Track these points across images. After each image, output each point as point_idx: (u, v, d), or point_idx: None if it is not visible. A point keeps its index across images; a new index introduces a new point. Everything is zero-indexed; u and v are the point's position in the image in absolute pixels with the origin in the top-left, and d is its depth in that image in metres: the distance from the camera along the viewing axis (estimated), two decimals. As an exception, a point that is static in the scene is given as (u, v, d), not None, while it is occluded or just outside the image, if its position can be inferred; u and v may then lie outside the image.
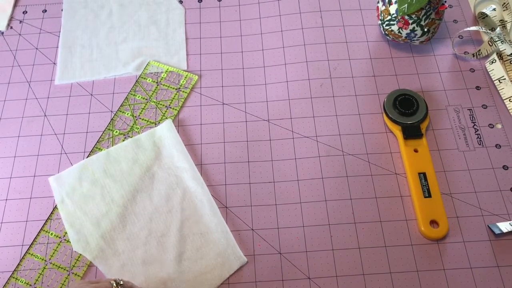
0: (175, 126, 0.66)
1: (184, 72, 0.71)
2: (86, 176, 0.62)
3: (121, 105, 0.68)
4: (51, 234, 0.59)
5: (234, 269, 0.56)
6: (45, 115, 0.68)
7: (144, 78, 0.70)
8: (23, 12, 0.78)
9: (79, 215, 0.60)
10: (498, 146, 0.64)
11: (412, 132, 0.63)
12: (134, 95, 0.69)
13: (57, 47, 0.74)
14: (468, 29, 0.72)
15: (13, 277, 0.57)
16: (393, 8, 0.66)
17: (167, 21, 0.76)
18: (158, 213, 0.59)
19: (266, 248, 0.57)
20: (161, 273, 0.56)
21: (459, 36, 0.73)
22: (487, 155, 0.63)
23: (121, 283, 0.51)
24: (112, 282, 0.50)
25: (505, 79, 0.67)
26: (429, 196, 0.59)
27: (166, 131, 0.64)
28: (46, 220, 0.60)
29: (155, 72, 0.71)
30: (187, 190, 0.61)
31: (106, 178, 0.62)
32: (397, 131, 0.64)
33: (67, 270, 0.57)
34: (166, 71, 0.71)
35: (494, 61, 0.68)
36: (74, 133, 0.66)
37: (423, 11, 0.65)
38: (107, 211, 0.60)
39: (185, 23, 0.76)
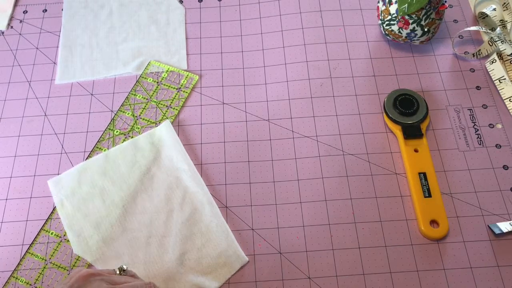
0: (175, 126, 0.66)
1: (185, 72, 0.71)
2: (85, 179, 0.62)
3: (121, 105, 0.68)
4: (51, 233, 0.59)
5: (236, 268, 0.56)
6: (45, 115, 0.68)
7: (145, 78, 0.70)
8: (23, 12, 0.78)
9: (79, 218, 0.59)
10: (498, 146, 0.64)
11: (412, 132, 0.63)
12: (134, 94, 0.69)
13: (57, 46, 0.74)
14: (468, 29, 0.72)
15: (13, 277, 0.57)
16: (393, 8, 0.66)
17: (167, 21, 0.76)
18: (158, 214, 0.59)
19: (266, 248, 0.57)
20: (163, 274, 0.56)
21: (459, 36, 0.73)
22: (487, 155, 0.63)
23: (125, 268, 0.51)
24: (116, 269, 0.50)
25: (505, 79, 0.67)
26: (429, 196, 0.59)
27: (164, 132, 0.64)
28: (46, 220, 0.60)
29: (155, 72, 0.71)
30: (187, 190, 0.61)
31: (105, 180, 0.61)
32: (397, 131, 0.64)
33: (67, 270, 0.57)
34: (167, 71, 0.71)
35: (494, 61, 0.69)
36: (74, 132, 0.66)
37: (423, 11, 0.65)
38: (107, 213, 0.59)
39: (185, 23, 0.76)
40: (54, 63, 0.72)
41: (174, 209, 0.60)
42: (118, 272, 0.50)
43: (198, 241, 0.58)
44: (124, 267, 0.51)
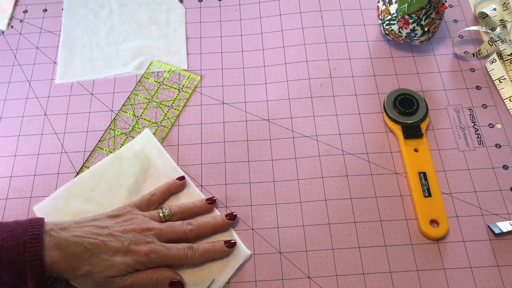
0: (175, 125, 0.66)
1: (187, 72, 0.71)
2: (73, 199, 0.60)
3: (123, 105, 0.68)
4: (52, 233, 0.59)
5: (240, 261, 0.56)
6: (45, 114, 0.68)
7: (147, 78, 0.70)
8: (23, 11, 0.78)
9: None
10: (498, 145, 0.64)
11: (412, 132, 0.63)
12: (136, 94, 0.69)
13: (57, 46, 0.74)
14: (468, 28, 0.73)
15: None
16: (393, 8, 0.67)
17: (168, 21, 0.76)
18: None
19: (266, 248, 0.57)
20: None
21: (459, 36, 0.73)
22: (487, 154, 0.63)
23: (166, 213, 0.56)
24: (159, 211, 0.57)
25: (505, 78, 0.67)
26: (429, 195, 0.59)
27: (145, 141, 0.64)
28: (47, 219, 0.60)
29: (157, 72, 0.71)
30: (178, 196, 0.60)
31: (94, 197, 0.60)
32: (397, 130, 0.64)
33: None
34: (169, 71, 0.71)
35: (494, 60, 0.69)
36: (74, 132, 0.66)
37: (423, 11, 0.65)
38: None
39: (186, 23, 0.76)
40: (54, 62, 0.73)
41: None
42: (163, 218, 0.56)
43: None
44: (166, 213, 0.56)
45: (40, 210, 0.59)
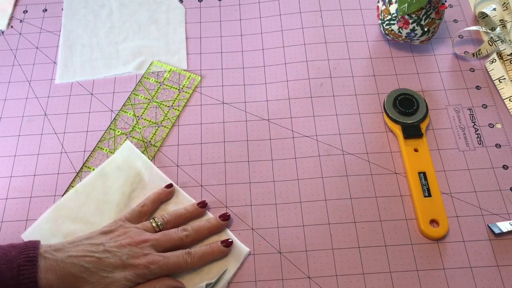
0: (176, 125, 0.66)
1: (187, 72, 0.71)
2: (61, 220, 0.59)
3: (123, 105, 0.68)
4: (52, 233, 0.59)
5: (241, 260, 0.56)
6: (45, 114, 0.68)
7: (147, 78, 0.70)
8: (23, 11, 0.78)
9: None
10: (498, 145, 0.64)
11: (412, 132, 0.63)
12: (136, 94, 0.69)
13: (57, 46, 0.74)
14: (468, 28, 0.73)
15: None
16: (393, 8, 0.67)
17: (167, 21, 0.76)
18: None
19: (266, 248, 0.57)
20: None
21: (459, 36, 0.73)
22: (487, 154, 0.63)
23: (159, 223, 0.56)
24: (151, 221, 0.56)
25: (505, 78, 0.67)
26: (429, 195, 0.59)
27: (127, 153, 0.63)
28: (47, 219, 0.60)
29: (157, 72, 0.71)
30: (168, 204, 0.60)
31: (82, 217, 0.59)
32: (397, 130, 0.64)
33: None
34: (169, 71, 0.71)
35: (494, 60, 0.69)
36: (74, 132, 0.66)
37: (423, 11, 0.65)
38: None
39: (186, 23, 0.76)
40: (54, 62, 0.73)
41: None
42: (156, 228, 0.56)
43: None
44: (159, 222, 0.56)
45: (28, 236, 0.58)
